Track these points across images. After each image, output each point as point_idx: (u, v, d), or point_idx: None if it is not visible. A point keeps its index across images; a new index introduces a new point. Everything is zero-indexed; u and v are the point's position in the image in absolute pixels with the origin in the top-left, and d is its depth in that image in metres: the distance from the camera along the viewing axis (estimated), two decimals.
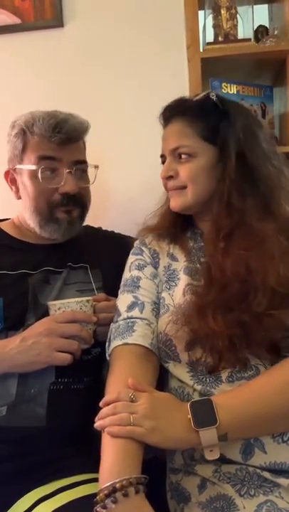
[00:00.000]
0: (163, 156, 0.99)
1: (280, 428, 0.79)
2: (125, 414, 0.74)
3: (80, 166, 1.09)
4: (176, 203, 0.96)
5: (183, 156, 0.94)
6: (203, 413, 0.75)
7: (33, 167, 1.04)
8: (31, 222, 1.09)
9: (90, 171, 1.13)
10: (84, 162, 1.11)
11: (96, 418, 0.78)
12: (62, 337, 0.92)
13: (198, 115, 0.94)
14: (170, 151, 0.95)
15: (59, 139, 1.03)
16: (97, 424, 0.77)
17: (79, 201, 1.09)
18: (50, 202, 1.06)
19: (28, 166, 1.06)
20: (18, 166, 1.08)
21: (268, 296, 0.79)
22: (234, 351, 0.80)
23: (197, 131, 0.93)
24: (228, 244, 0.87)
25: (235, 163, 0.90)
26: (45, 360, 0.92)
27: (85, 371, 1.03)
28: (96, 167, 1.13)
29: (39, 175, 1.04)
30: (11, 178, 1.12)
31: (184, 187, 0.94)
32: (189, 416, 0.75)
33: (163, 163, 0.99)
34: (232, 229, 0.88)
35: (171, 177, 0.95)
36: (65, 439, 0.96)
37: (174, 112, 0.97)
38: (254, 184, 0.90)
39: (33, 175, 1.05)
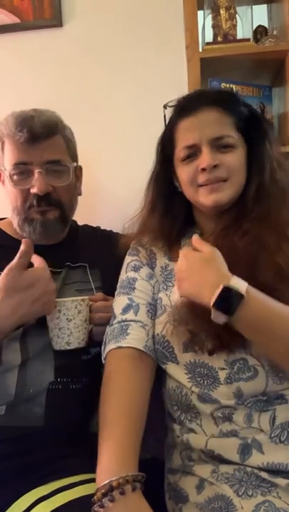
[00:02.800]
0: (192, 147, 0.90)
1: (275, 355, 0.78)
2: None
3: (53, 165, 1.06)
4: (217, 197, 0.89)
5: (226, 147, 0.89)
6: (227, 301, 0.74)
7: (8, 169, 1.06)
8: (14, 222, 1.10)
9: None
10: (57, 161, 1.07)
11: None
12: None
13: (231, 105, 0.91)
14: (211, 140, 0.88)
15: (23, 138, 1.02)
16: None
17: (54, 202, 1.07)
18: (26, 202, 1.06)
19: (4, 168, 1.07)
20: (1, 168, 1.10)
21: (272, 272, 0.80)
22: (232, 330, 0.79)
23: (234, 122, 0.90)
24: (252, 226, 0.87)
25: (270, 155, 0.91)
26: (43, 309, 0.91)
27: (84, 371, 1.03)
28: (72, 165, 1.10)
29: (13, 177, 1.05)
30: (2, 179, 1.13)
31: (225, 180, 0.89)
32: (217, 292, 0.74)
33: (188, 156, 0.91)
34: (260, 214, 0.88)
35: (215, 167, 0.88)
36: (63, 439, 0.96)
37: (204, 99, 0.92)
38: (280, 174, 0.91)
39: (9, 177, 1.06)
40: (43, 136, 1.04)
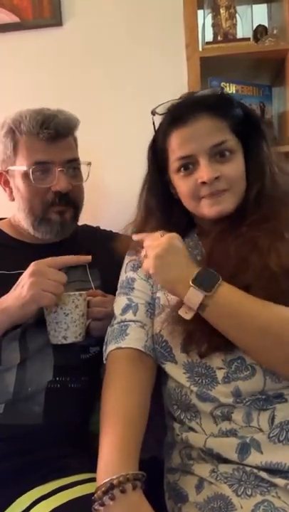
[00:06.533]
0: (188, 158, 0.87)
1: (252, 348, 0.79)
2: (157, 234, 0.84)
3: (72, 164, 1.08)
4: (220, 208, 0.87)
5: (226, 154, 0.86)
6: (206, 279, 0.78)
7: (25, 168, 1.04)
8: (25, 223, 1.09)
9: (84, 168, 1.13)
10: (75, 160, 1.09)
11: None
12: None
13: (224, 109, 0.88)
14: (208, 149, 0.85)
15: (47, 136, 1.03)
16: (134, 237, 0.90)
17: (72, 201, 1.08)
18: (45, 202, 1.06)
19: (20, 167, 1.06)
20: (10, 168, 1.08)
21: (257, 273, 0.80)
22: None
23: (230, 125, 0.87)
24: (249, 229, 0.86)
25: (271, 157, 0.89)
26: (33, 298, 0.89)
27: (83, 370, 1.03)
28: (89, 164, 1.13)
29: (31, 176, 1.04)
30: (4, 180, 1.12)
31: (225, 190, 0.87)
32: (195, 272, 0.78)
33: (184, 167, 0.88)
34: (258, 217, 0.87)
35: (216, 179, 0.85)
36: (63, 439, 0.96)
37: (196, 107, 0.87)
38: (281, 177, 0.90)
39: (25, 176, 1.05)
40: (64, 134, 1.05)
